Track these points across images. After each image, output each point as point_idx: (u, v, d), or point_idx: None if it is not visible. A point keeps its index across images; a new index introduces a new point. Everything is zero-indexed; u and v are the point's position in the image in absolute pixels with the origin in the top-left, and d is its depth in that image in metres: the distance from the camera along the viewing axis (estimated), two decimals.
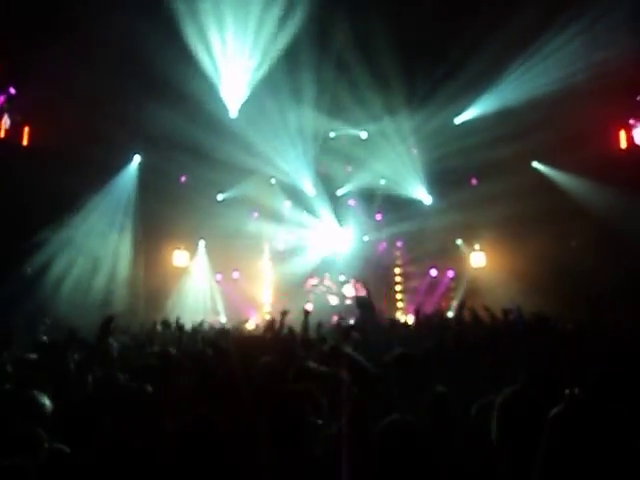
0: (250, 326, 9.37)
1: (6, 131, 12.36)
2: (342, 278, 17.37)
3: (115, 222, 13.71)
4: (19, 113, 12.51)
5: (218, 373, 3.41)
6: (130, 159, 14.73)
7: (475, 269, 16.42)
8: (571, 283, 12.34)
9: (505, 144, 14.02)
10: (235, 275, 16.64)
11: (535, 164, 14.90)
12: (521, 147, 14.16)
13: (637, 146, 13.50)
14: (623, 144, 13.63)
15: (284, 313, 5.99)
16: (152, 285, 14.62)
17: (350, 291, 17.14)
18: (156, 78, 12.41)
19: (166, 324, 6.59)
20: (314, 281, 17.44)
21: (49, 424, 2.45)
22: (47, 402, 2.66)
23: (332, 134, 15.57)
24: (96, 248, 13.06)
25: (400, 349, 3.66)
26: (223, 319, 14.85)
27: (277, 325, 5.83)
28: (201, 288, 15.92)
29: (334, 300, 17.20)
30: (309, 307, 15.37)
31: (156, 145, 14.22)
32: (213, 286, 16.19)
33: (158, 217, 14.30)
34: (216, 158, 14.64)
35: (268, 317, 6.11)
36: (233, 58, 12.86)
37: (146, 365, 3.58)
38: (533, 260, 13.99)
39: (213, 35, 12.34)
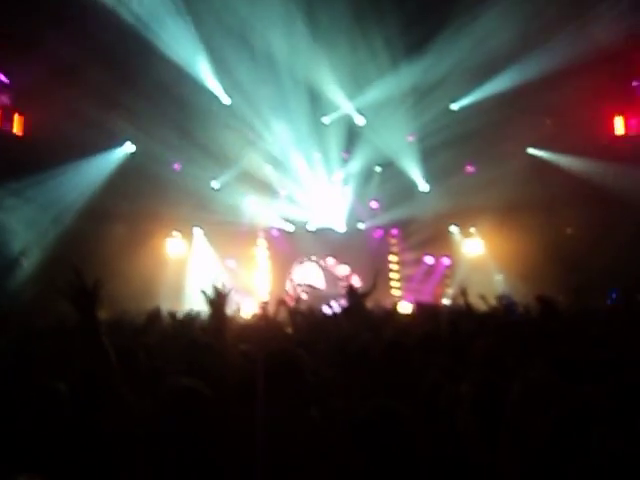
0: (245, 315, 9.33)
1: None
2: (332, 261, 17.41)
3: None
4: (10, 100, 12.35)
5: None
6: (120, 145, 14.56)
7: (470, 256, 16.44)
8: (565, 270, 12.37)
9: (501, 130, 14.00)
10: (230, 263, 16.60)
11: (531, 150, 14.84)
12: (517, 133, 14.14)
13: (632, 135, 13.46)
14: (620, 131, 13.58)
15: (281, 302, 5.95)
16: (146, 274, 14.55)
17: (343, 275, 17.18)
18: (149, 64, 12.30)
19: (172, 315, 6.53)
20: (306, 266, 17.46)
21: None
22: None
23: (327, 120, 15.41)
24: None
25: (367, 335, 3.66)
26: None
27: (272, 314, 5.80)
28: (205, 276, 15.81)
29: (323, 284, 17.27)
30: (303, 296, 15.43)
31: (149, 132, 14.09)
32: (219, 273, 16.04)
33: (151, 204, 14.18)
34: (211, 145, 14.57)
35: (261, 306, 6.07)
36: (226, 43, 12.65)
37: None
38: (528, 247, 14.01)
39: (206, 19, 12.11)
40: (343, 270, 17.37)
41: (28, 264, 12.34)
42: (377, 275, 4.34)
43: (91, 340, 2.18)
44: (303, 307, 7.06)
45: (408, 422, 1.76)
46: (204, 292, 2.56)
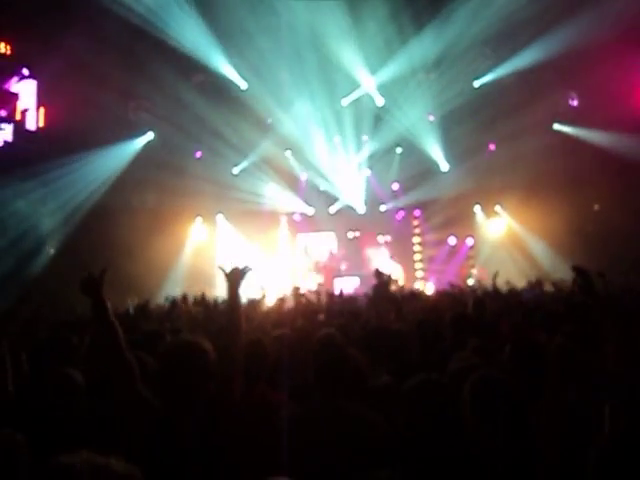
0: (269, 301, 9.40)
1: (21, 113, 12.40)
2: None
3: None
4: (33, 93, 12.53)
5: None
6: (142, 134, 14.70)
7: (494, 236, 16.26)
8: (594, 247, 12.15)
9: (525, 107, 13.69)
10: (254, 248, 16.71)
11: (557, 125, 14.49)
12: (542, 109, 13.81)
13: None
14: None
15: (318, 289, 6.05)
16: (170, 260, 14.75)
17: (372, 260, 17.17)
18: (166, 54, 12.34)
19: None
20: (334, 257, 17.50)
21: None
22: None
23: (346, 102, 15.25)
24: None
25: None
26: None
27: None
28: (231, 260, 15.91)
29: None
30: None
31: (169, 121, 14.20)
32: (243, 257, 16.17)
33: (174, 192, 14.31)
34: (230, 131, 14.63)
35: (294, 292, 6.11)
36: (240, 27, 12.57)
37: None
38: (554, 224, 13.78)
39: (219, 3, 12.04)
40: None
41: (52, 252, 12.61)
42: (380, 274, 4.31)
43: (101, 325, 2.30)
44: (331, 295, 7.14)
45: (450, 393, 1.83)
46: (222, 268, 2.54)
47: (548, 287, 8.21)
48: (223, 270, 2.50)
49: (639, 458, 1.41)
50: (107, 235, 12.86)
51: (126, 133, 14.01)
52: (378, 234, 17.40)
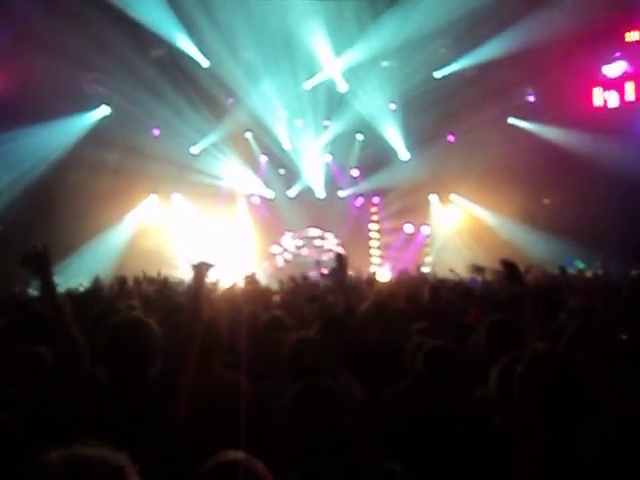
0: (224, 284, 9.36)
1: None
2: (316, 232, 17.45)
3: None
4: None
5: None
6: (97, 108, 14.19)
7: (449, 225, 16.67)
8: (541, 239, 12.67)
9: (483, 100, 14.02)
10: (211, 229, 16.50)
11: (511, 119, 14.93)
12: (499, 103, 14.19)
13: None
14: (599, 102, 13.73)
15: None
16: (122, 238, 14.44)
17: (328, 246, 17.27)
18: (129, 27, 11.95)
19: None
20: (290, 236, 17.48)
21: None
22: None
23: (309, 85, 15.17)
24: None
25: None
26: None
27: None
28: (187, 241, 15.78)
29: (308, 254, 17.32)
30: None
31: (127, 96, 13.77)
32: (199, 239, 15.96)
33: (129, 170, 13.94)
34: (190, 110, 14.32)
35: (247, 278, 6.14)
36: (203, 3, 12.27)
37: None
38: (506, 215, 14.28)
39: None
40: (328, 241, 17.44)
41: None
42: (340, 258, 4.39)
43: (49, 300, 2.34)
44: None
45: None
46: (191, 262, 2.64)
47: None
48: (192, 264, 2.58)
49: None
50: (59, 215, 12.47)
51: (80, 106, 13.51)
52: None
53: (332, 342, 2.95)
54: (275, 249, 17.45)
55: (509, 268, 2.51)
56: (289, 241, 17.60)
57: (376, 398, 2.69)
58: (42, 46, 10.94)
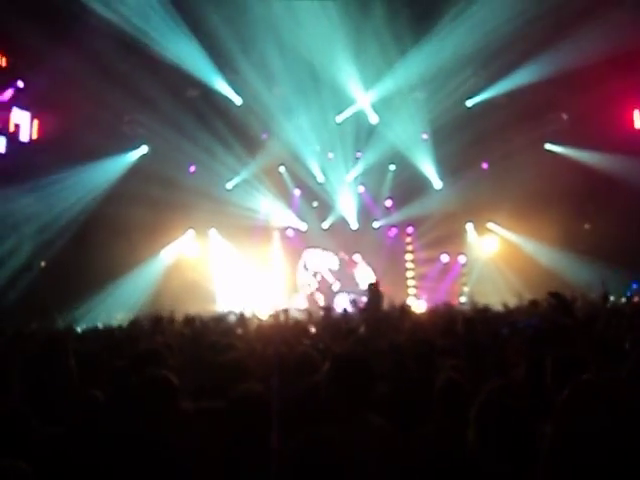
0: (261, 315, 9.36)
1: (15, 125, 12.41)
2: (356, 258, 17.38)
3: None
4: (27, 106, 12.55)
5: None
6: (136, 148, 14.75)
7: (486, 254, 16.31)
8: (584, 266, 12.22)
9: (517, 126, 13.85)
10: (247, 263, 16.66)
11: (548, 146, 14.66)
12: (533, 129, 13.99)
13: None
14: (638, 124, 13.36)
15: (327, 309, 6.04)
16: (162, 274, 14.69)
17: (361, 277, 17.13)
18: (165, 69, 12.44)
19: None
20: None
21: None
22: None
23: (340, 118, 15.36)
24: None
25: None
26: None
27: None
28: (224, 277, 16.05)
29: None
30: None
31: (164, 136, 14.26)
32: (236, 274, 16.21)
33: (166, 206, 14.31)
34: (224, 147, 14.69)
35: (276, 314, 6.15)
36: (234, 43, 12.67)
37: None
38: (544, 244, 13.89)
39: (212, 20, 12.14)
40: (363, 271, 17.32)
41: (43, 265, 12.56)
42: (375, 289, 4.33)
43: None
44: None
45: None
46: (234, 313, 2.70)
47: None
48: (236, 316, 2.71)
49: None
50: (100, 248, 12.84)
51: (120, 146, 14.06)
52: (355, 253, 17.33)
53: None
54: (308, 281, 17.42)
55: (560, 300, 2.39)
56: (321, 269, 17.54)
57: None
58: (82, 91, 11.49)
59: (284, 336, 4.90)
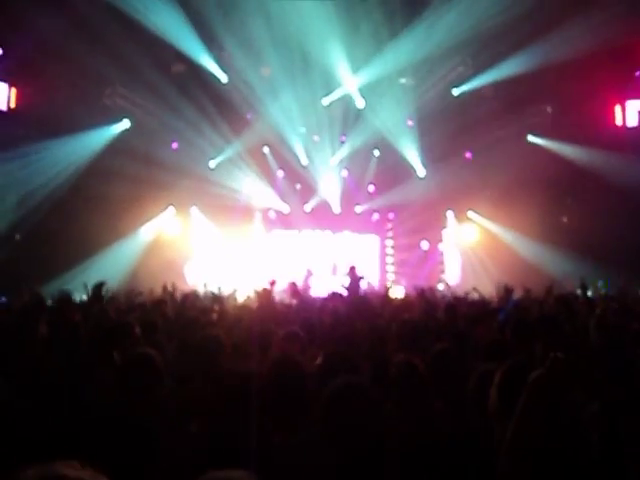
0: (240, 297, 9.35)
1: None
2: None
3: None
4: (5, 75, 12.18)
5: None
6: (118, 121, 14.44)
7: (465, 242, 16.52)
8: (560, 259, 12.46)
9: (502, 117, 13.95)
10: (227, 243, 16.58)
11: (531, 138, 14.82)
12: (517, 120, 14.10)
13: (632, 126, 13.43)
14: (619, 121, 13.57)
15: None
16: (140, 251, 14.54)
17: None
18: (150, 42, 12.15)
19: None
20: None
21: None
22: None
23: (326, 101, 15.26)
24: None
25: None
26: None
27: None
28: (205, 255, 15.94)
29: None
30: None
31: (147, 110, 13.99)
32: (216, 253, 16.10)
33: (147, 182, 14.09)
34: (208, 124, 14.48)
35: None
36: (222, 19, 12.45)
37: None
38: (522, 235, 14.10)
39: None
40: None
41: (19, 238, 12.33)
42: (354, 273, 4.35)
43: None
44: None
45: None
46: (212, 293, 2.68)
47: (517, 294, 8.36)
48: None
49: None
50: (78, 223, 12.62)
51: (101, 119, 13.74)
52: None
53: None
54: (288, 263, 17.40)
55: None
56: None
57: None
58: (63, 60, 11.17)
59: (266, 315, 4.90)
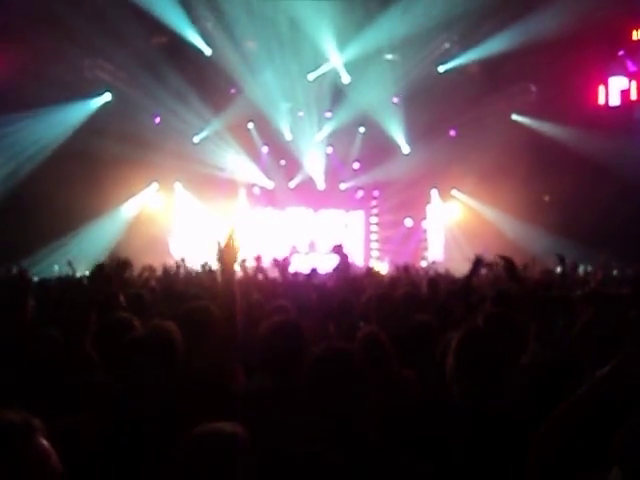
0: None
1: None
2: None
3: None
4: None
5: None
6: (99, 95, 14.14)
7: (449, 219, 16.68)
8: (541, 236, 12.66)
9: (487, 95, 13.97)
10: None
11: (515, 116, 14.89)
12: (502, 99, 14.14)
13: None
14: (602, 100, 13.69)
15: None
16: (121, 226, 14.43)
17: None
18: (132, 12, 11.85)
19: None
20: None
21: None
22: None
23: (312, 77, 15.10)
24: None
25: None
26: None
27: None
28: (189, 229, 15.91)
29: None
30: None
31: (129, 83, 13.71)
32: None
33: (130, 157, 13.87)
34: (192, 99, 14.26)
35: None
36: None
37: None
38: (505, 213, 14.27)
39: None
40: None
41: None
42: (341, 250, 4.36)
43: None
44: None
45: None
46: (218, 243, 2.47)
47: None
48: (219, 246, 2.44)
49: None
50: (59, 198, 12.42)
51: (81, 92, 13.43)
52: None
53: None
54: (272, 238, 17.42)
55: (509, 264, 2.53)
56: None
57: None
58: (42, 28, 10.85)
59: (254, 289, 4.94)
